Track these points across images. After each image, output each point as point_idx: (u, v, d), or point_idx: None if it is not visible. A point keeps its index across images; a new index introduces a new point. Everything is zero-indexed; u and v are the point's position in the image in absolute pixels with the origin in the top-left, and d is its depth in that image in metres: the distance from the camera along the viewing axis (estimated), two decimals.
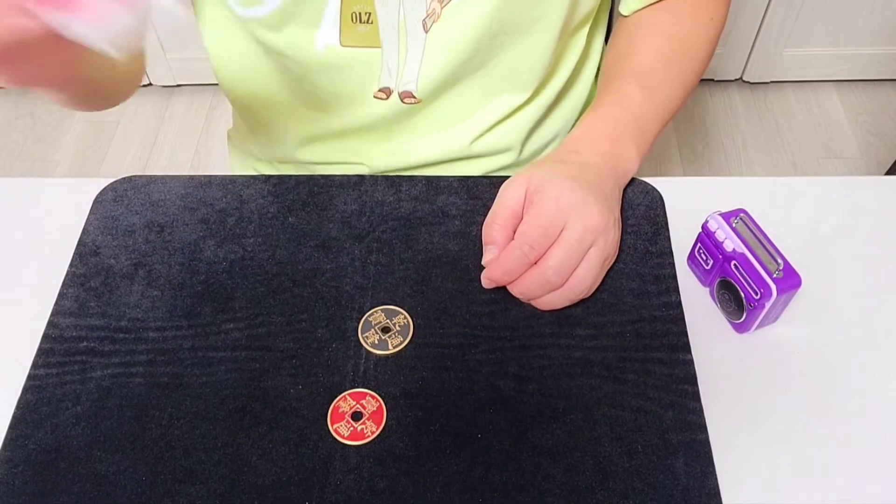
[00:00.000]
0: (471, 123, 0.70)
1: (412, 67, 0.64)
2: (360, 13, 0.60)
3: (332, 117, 0.70)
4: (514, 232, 0.55)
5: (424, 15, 0.60)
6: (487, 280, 0.56)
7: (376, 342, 0.54)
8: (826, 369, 0.54)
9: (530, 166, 0.57)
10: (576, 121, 0.77)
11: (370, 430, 0.50)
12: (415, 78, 0.64)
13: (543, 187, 0.54)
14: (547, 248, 0.53)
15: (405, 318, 0.55)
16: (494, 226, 0.55)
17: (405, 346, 0.54)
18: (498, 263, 0.54)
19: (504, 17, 0.60)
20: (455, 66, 0.63)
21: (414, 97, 0.66)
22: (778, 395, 0.52)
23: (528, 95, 0.68)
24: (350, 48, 0.63)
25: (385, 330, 0.55)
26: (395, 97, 0.66)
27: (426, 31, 0.61)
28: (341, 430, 0.50)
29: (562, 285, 0.54)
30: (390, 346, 0.54)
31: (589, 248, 0.53)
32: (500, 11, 0.60)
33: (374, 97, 0.66)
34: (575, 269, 0.53)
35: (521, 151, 0.73)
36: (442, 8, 0.60)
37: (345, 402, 0.51)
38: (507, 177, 0.64)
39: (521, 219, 0.55)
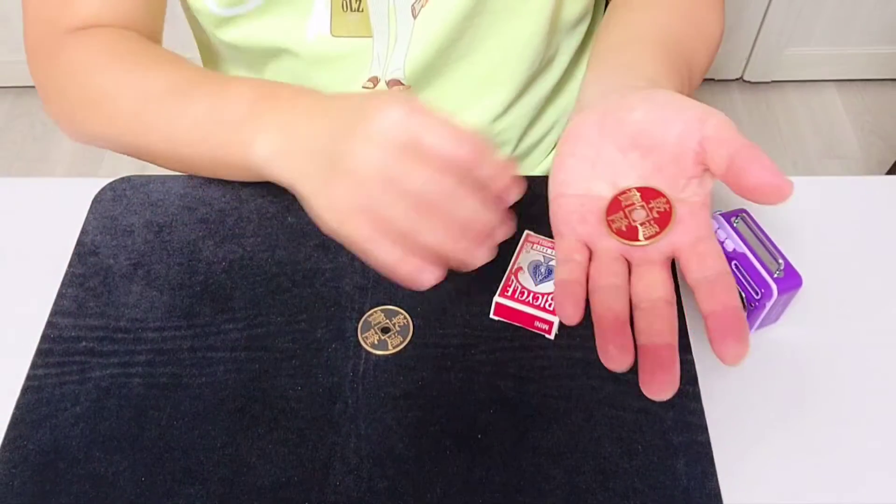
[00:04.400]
0: (466, 119, 0.69)
1: (399, 54, 0.63)
2: (350, 1, 0.60)
3: None
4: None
5: (413, 0, 0.60)
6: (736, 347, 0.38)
7: (376, 342, 0.54)
8: (827, 370, 0.54)
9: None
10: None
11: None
12: (401, 65, 0.64)
13: None
14: None
15: (405, 318, 0.55)
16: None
17: (405, 347, 0.54)
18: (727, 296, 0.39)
19: None
20: (440, 46, 0.63)
21: (401, 83, 0.65)
22: (779, 396, 0.52)
23: (520, 89, 0.68)
24: (341, 38, 0.62)
25: (385, 330, 0.55)
26: (381, 86, 0.65)
27: (415, 17, 0.61)
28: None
29: None
30: (390, 347, 0.54)
31: None
32: None
33: (363, 87, 0.66)
34: None
35: (516, 147, 0.73)
36: None
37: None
38: None
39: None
